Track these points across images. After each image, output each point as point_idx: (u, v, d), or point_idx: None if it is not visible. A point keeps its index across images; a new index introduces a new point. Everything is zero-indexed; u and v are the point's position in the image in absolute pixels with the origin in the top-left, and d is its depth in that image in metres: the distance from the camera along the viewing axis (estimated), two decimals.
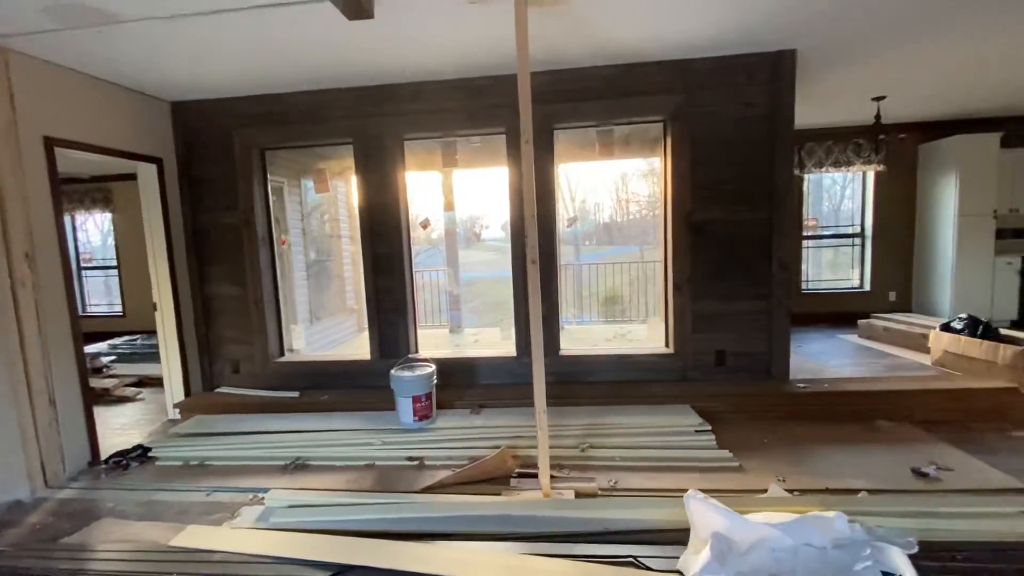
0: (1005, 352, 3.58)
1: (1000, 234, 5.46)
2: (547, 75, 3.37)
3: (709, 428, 2.89)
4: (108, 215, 6.94)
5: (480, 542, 2.04)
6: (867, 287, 6.06)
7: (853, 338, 5.26)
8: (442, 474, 2.58)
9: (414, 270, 3.86)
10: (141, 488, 2.68)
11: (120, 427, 3.66)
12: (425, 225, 4.33)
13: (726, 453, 2.65)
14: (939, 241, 5.59)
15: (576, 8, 2.50)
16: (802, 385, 3.27)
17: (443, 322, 6.69)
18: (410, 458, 2.80)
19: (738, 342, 3.42)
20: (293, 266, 4.95)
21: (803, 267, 6.15)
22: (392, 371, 3.15)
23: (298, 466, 2.80)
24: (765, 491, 2.27)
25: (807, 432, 2.91)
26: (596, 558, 1.88)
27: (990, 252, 5.41)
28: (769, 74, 3.25)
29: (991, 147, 5.28)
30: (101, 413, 3.56)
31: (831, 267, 6.36)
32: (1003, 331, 3.92)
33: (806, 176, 5.93)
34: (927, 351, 4.25)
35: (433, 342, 5.50)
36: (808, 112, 4.92)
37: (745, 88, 3.29)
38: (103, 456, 3.03)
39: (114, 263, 7.02)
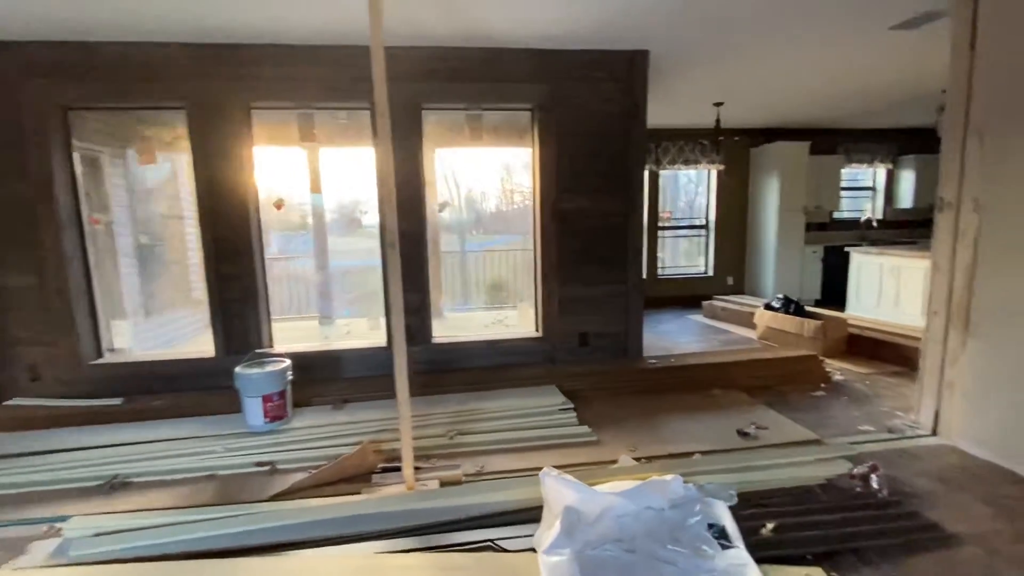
0: (808, 326, 4.27)
1: (808, 227, 6.50)
2: (417, 51, 3.22)
3: (572, 406, 3.02)
4: None
5: (337, 546, 1.90)
6: (711, 272, 6.86)
7: (699, 318, 5.92)
8: (296, 478, 2.37)
9: (269, 257, 3.49)
10: None
11: None
12: (279, 205, 3.94)
13: (585, 429, 2.79)
14: (765, 232, 6.50)
15: None
16: (653, 361, 3.58)
17: (313, 313, 6.23)
18: (259, 464, 2.53)
19: (599, 324, 3.63)
20: (118, 251, 4.21)
21: (661, 255, 6.76)
22: (237, 368, 2.82)
23: (116, 485, 2.38)
24: (615, 462, 2.42)
25: (657, 404, 3.19)
26: (456, 547, 1.85)
27: (801, 242, 6.43)
28: (626, 72, 3.45)
29: (802, 153, 6.25)
30: None
31: (685, 255, 7.08)
32: (809, 308, 4.67)
33: (662, 172, 6.50)
34: (754, 327, 4.92)
35: (298, 335, 5.08)
36: (664, 113, 5.37)
37: (606, 84, 3.46)
38: None
39: None
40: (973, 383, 2.50)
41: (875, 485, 2.17)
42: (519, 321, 4.22)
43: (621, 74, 3.45)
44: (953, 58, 2.50)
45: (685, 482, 2.07)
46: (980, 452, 2.46)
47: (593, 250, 3.56)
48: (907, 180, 6.83)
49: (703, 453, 2.52)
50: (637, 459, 2.48)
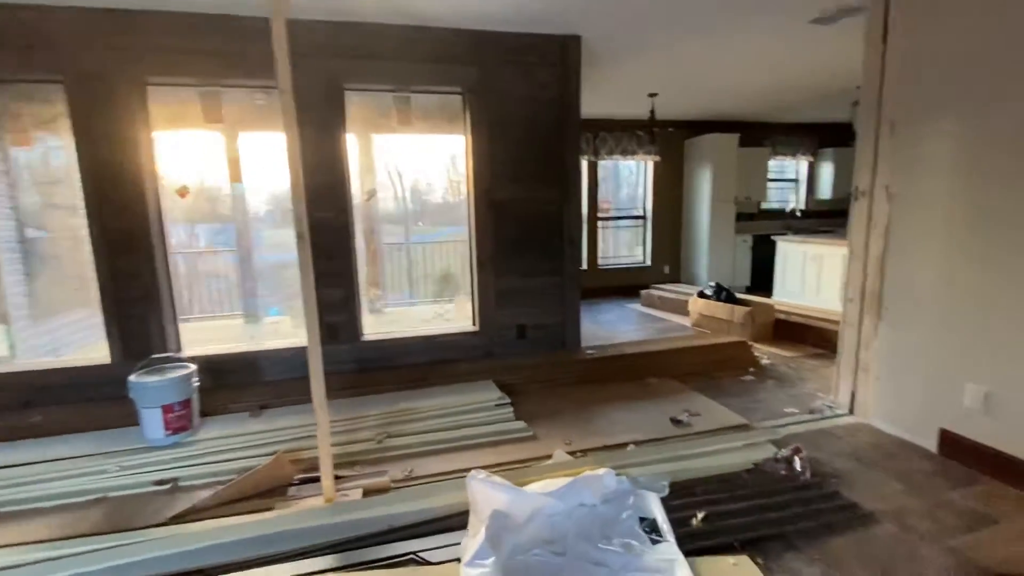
0: (738, 312, 4.41)
1: (739, 217, 6.75)
2: (337, 26, 2.99)
3: (509, 401, 2.94)
4: None
5: (247, 571, 1.71)
6: (649, 262, 6.99)
7: (638, 307, 6.01)
8: (201, 495, 2.14)
9: (192, 251, 3.14)
10: None
11: None
12: (183, 193, 3.58)
13: (521, 424, 2.72)
14: (699, 222, 6.68)
15: None
16: (591, 352, 3.56)
17: (239, 311, 5.79)
18: (159, 482, 2.27)
19: (537, 315, 3.56)
20: None
21: (601, 245, 6.81)
22: (131, 377, 2.51)
23: None
24: (551, 457, 2.36)
25: (593, 395, 3.16)
26: (376, 563, 1.71)
27: (732, 231, 6.66)
28: (558, 58, 3.37)
29: (732, 146, 6.45)
30: None
31: (625, 245, 7.17)
32: (739, 295, 4.83)
33: (601, 162, 6.52)
34: (689, 314, 5.04)
35: (220, 335, 4.69)
36: (601, 102, 5.36)
37: (539, 69, 3.36)
38: None
39: None
40: (884, 365, 2.62)
41: (798, 468, 2.22)
42: (456, 315, 4.09)
43: (554, 60, 3.36)
44: (867, 52, 2.58)
45: (618, 475, 2.04)
46: (892, 429, 2.59)
47: (529, 240, 3.48)
48: (826, 172, 7.24)
49: (637, 444, 2.50)
50: (572, 453, 2.42)
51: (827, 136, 7.15)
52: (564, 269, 3.55)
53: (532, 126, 3.39)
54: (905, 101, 2.42)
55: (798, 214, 7.42)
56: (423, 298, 6.82)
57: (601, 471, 1.99)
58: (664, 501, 1.96)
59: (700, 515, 1.87)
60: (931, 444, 2.39)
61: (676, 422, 2.76)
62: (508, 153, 3.38)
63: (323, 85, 3.05)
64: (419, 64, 3.16)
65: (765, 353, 4.01)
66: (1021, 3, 1.96)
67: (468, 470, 2.18)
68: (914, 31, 2.35)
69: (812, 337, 4.16)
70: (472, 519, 1.77)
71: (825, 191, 7.30)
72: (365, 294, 4.40)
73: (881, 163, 2.56)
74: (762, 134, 6.86)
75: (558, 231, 3.51)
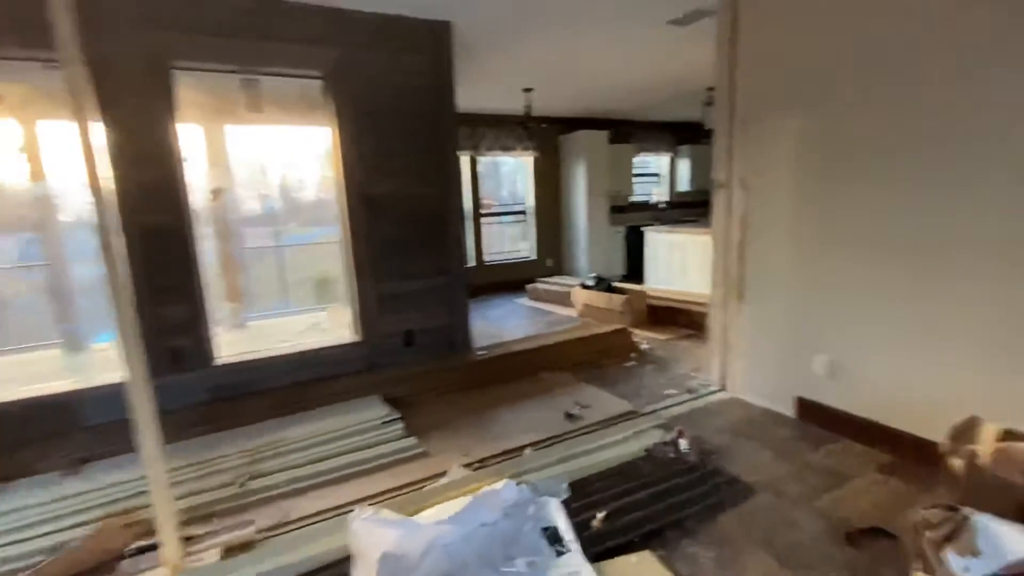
0: (616, 300, 4.60)
1: (612, 210, 7.12)
2: None
3: (398, 416, 2.70)
4: None
5: None
6: (533, 256, 7.09)
7: (525, 301, 6.05)
8: None
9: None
10: None
11: None
12: None
13: (412, 441, 2.51)
14: (577, 215, 6.92)
15: None
16: (482, 352, 3.44)
17: (57, 339, 4.71)
18: None
19: (424, 319, 3.35)
20: None
21: (486, 241, 6.74)
22: None
23: None
24: (445, 474, 2.19)
25: (488, 397, 3.05)
26: None
27: (607, 223, 7.01)
28: (431, 44, 3.17)
29: (603, 142, 6.76)
30: None
31: (510, 240, 7.18)
32: (617, 284, 5.06)
33: (481, 158, 6.43)
34: (573, 305, 5.17)
35: (29, 371, 3.76)
36: (479, 96, 5.25)
37: (408, 56, 3.13)
38: None
39: None
40: (747, 343, 2.86)
41: (684, 449, 2.31)
42: (334, 324, 3.71)
43: (424, 46, 3.15)
44: (719, 52, 2.77)
45: (518, 483, 1.93)
46: (758, 401, 2.83)
47: (411, 239, 3.25)
48: (685, 167, 7.94)
49: (534, 446, 2.43)
50: (470, 465, 2.28)
51: (685, 134, 7.83)
52: (450, 268, 3.38)
53: (405, 117, 3.16)
54: (753, 99, 2.63)
55: (662, 206, 8.05)
56: (297, 307, 6.18)
57: (499, 484, 1.87)
58: (565, 504, 1.91)
59: (601, 515, 1.84)
60: (790, 411, 2.65)
61: (569, 416, 2.75)
62: (381, 146, 3.10)
63: (143, 62, 2.52)
64: (267, 43, 2.76)
65: (643, 338, 4.23)
66: (847, 11, 2.20)
67: (355, 503, 1.94)
68: (759, 33, 2.56)
69: (683, 319, 4.48)
70: (359, 566, 1.54)
71: (684, 184, 8.00)
72: (221, 308, 3.83)
73: (736, 157, 2.77)
74: (629, 131, 7.29)
75: (441, 229, 3.33)
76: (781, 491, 1.99)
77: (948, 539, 1.28)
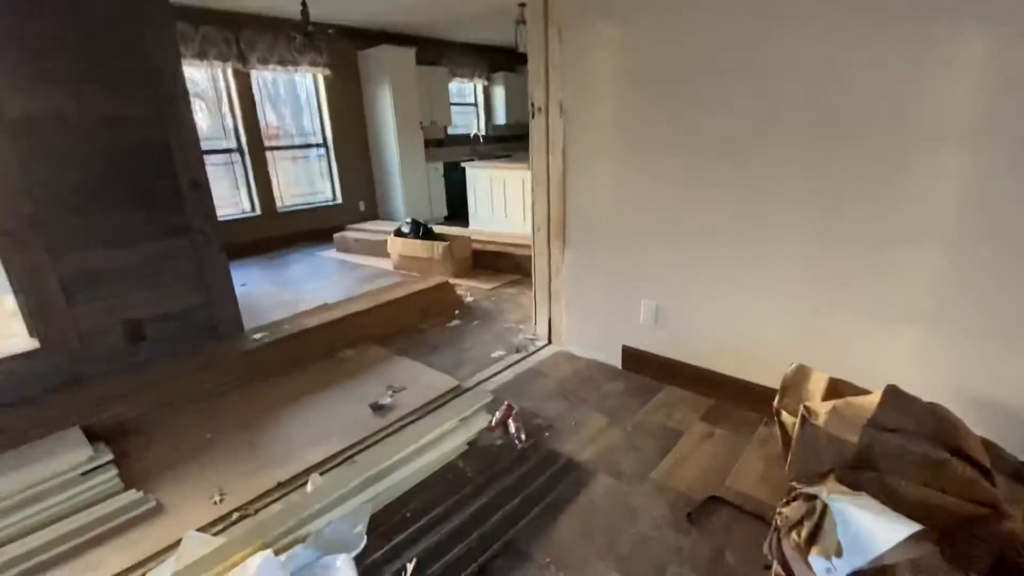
0: (437, 248, 4.06)
1: (428, 144, 6.38)
2: None
3: (110, 458, 1.81)
4: None
5: None
6: (340, 199, 6.06)
7: (332, 253, 5.13)
8: None
9: None
10: None
11: None
12: None
13: (133, 494, 1.68)
14: (387, 150, 6.03)
15: None
16: (260, 336, 2.61)
17: None
18: None
19: (158, 301, 2.36)
20: None
21: (277, 183, 5.49)
22: None
23: None
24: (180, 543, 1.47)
25: (266, 398, 2.30)
26: None
27: (423, 159, 6.28)
28: None
29: (409, 61, 5.85)
30: None
31: (308, 181, 5.98)
32: (437, 229, 4.49)
33: (254, 72, 5.04)
34: (389, 256, 4.48)
35: None
36: None
37: None
38: None
39: None
40: (573, 291, 2.59)
41: (513, 431, 1.95)
42: None
43: None
44: None
45: (280, 555, 1.33)
46: (586, 353, 2.62)
47: (110, 186, 2.16)
48: (499, 97, 7.47)
49: (324, 467, 1.82)
50: (225, 517, 1.58)
51: (499, 60, 7.29)
52: (190, 225, 2.39)
53: None
54: (570, 6, 2.16)
55: (481, 139, 7.56)
56: None
57: (253, 561, 1.24)
58: (361, 556, 1.38)
59: (411, 566, 1.36)
60: (616, 361, 2.48)
61: (378, 408, 2.18)
62: (29, 27, 1.90)
63: None
64: None
65: (468, 290, 3.81)
66: None
67: None
68: None
69: (506, 264, 4.16)
70: None
71: (500, 116, 7.58)
72: None
73: (553, 76, 2.32)
74: (438, 52, 6.47)
75: (166, 169, 2.29)
76: (618, 468, 1.75)
77: (812, 540, 1.08)
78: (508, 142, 7.80)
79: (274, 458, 1.87)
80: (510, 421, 1.99)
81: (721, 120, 1.86)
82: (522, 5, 3.83)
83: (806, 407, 1.42)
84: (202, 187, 2.38)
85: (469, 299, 3.60)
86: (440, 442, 1.90)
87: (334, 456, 1.88)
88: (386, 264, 4.54)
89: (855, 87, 1.57)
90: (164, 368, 2.29)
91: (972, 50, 1.40)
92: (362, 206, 6.25)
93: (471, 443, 1.91)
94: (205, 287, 2.49)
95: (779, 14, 1.66)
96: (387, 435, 2.01)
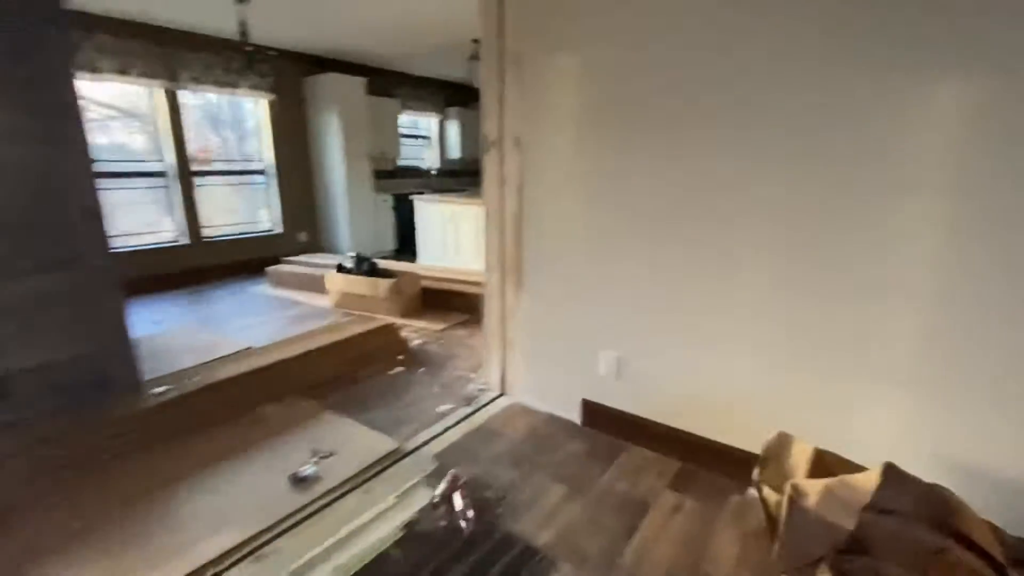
0: (383, 286, 3.77)
1: (377, 175, 6.14)
2: None
3: None
4: None
5: None
6: (279, 228, 5.66)
7: (265, 288, 4.71)
8: None
9: None
10: None
11: None
12: None
13: None
14: (333, 179, 5.74)
15: None
16: (160, 390, 2.21)
17: None
18: None
19: (32, 350, 1.94)
20: None
21: (204, 209, 5.03)
22: None
23: None
24: None
25: (163, 468, 1.91)
26: None
27: (371, 190, 6.02)
28: None
29: (359, 91, 5.66)
30: None
31: (245, 209, 5.55)
32: (383, 264, 4.20)
33: (185, 92, 4.67)
34: (328, 293, 4.13)
35: None
36: (172, 4, 3.62)
37: None
38: None
39: None
40: (528, 338, 2.38)
41: (459, 507, 1.68)
42: None
43: None
44: None
45: None
46: (542, 406, 2.40)
47: None
48: (453, 131, 7.37)
49: (222, 566, 1.47)
50: None
51: (453, 95, 7.24)
52: (79, 257, 2.02)
53: None
54: (526, 30, 2.03)
55: (433, 172, 7.40)
56: None
57: None
58: None
59: None
60: (576, 416, 2.27)
61: (298, 481, 1.85)
62: None
63: None
64: None
65: (416, 331, 3.52)
66: None
67: None
68: None
69: (458, 303, 3.91)
70: None
71: (454, 150, 7.47)
72: None
73: (508, 108, 2.17)
74: (391, 84, 6.33)
75: (56, 196, 1.92)
76: (582, 553, 1.51)
77: None
78: (462, 176, 7.69)
79: (159, 554, 1.49)
80: (456, 495, 1.72)
81: (687, 164, 1.75)
82: (476, 41, 3.76)
83: (794, 486, 1.25)
84: (95, 216, 2.02)
85: (416, 342, 3.32)
86: (373, 525, 1.59)
87: (238, 547, 1.53)
88: (324, 301, 4.18)
89: (838, 134, 1.49)
90: (30, 434, 1.86)
91: (949, 103, 1.34)
92: (303, 237, 5.87)
93: (409, 525, 1.62)
94: (95, 332, 2.09)
95: (751, 54, 1.58)
96: (308, 515, 1.68)
